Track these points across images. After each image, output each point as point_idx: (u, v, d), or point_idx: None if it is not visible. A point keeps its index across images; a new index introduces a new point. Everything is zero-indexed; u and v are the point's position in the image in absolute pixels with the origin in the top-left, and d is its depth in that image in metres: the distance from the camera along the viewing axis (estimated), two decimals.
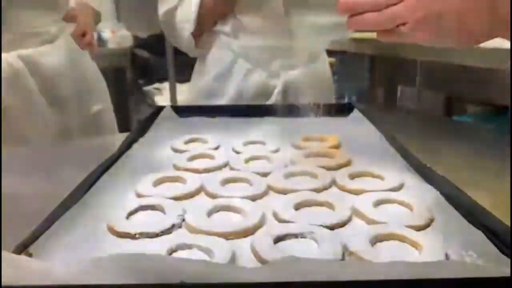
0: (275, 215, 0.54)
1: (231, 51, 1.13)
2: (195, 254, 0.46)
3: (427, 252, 0.44)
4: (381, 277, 0.35)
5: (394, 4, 0.51)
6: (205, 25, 1.12)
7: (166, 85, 2.71)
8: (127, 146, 0.79)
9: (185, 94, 2.39)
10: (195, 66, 1.22)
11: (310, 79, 1.15)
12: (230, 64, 1.13)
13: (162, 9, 1.12)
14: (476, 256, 0.44)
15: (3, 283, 0.35)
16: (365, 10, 0.53)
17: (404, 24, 0.51)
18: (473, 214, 0.51)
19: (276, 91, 1.12)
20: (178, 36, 1.13)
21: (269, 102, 1.11)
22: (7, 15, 0.99)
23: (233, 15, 1.11)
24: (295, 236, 0.49)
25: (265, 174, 0.67)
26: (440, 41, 0.53)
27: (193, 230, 0.51)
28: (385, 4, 0.52)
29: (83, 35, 1.17)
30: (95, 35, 1.39)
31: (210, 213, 0.55)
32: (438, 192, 0.58)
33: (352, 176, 0.66)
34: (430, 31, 0.51)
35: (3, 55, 1.00)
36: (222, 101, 1.13)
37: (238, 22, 1.11)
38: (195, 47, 1.14)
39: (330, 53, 1.31)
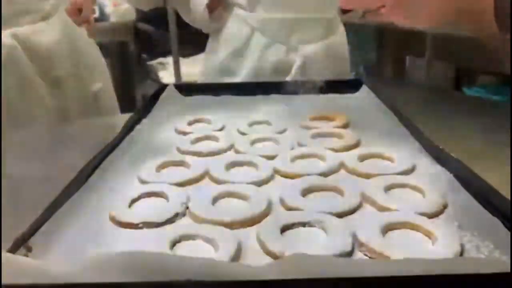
0: (282, 202, 0.52)
1: (248, 24, 1.07)
2: (200, 245, 0.45)
3: (441, 242, 0.42)
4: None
5: None
6: None
7: (170, 60, 2.67)
8: (129, 127, 0.77)
9: (190, 68, 2.36)
10: (208, 42, 1.17)
11: (329, 52, 1.10)
12: (247, 38, 1.07)
13: None
14: (493, 246, 0.42)
15: (3, 283, 0.34)
16: None
17: (384, 6, 0.59)
18: (488, 200, 0.49)
19: (295, 66, 1.07)
20: (191, 10, 1.07)
21: (288, 78, 1.06)
22: None
23: None
24: (303, 224, 0.47)
25: (271, 157, 0.64)
26: (411, 22, 0.60)
27: (197, 219, 0.49)
28: None
29: (79, 11, 1.13)
30: (96, 9, 1.34)
31: (214, 200, 0.53)
32: (452, 175, 0.56)
33: (362, 158, 0.64)
34: (403, 13, 0.59)
35: None
36: (238, 78, 1.08)
37: None
38: (210, 22, 1.09)
39: None
